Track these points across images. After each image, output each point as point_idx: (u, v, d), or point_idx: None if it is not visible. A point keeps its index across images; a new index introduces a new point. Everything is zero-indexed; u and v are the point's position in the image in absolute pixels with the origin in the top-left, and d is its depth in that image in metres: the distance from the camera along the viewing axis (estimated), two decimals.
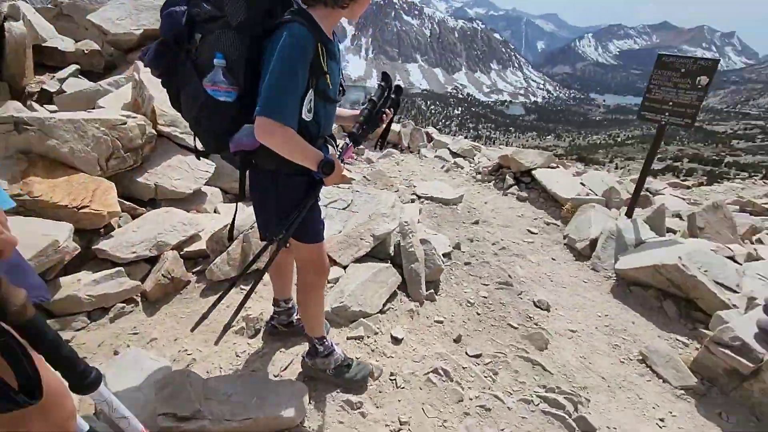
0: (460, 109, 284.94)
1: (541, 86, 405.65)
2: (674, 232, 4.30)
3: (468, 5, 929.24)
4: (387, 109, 1.78)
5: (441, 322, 2.70)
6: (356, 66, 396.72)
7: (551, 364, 2.46)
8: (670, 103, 3.70)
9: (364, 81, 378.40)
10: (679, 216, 4.95)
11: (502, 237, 4.29)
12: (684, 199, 7.12)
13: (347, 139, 1.69)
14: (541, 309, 3.01)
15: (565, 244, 4.32)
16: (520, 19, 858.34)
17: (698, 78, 3.49)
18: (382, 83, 1.77)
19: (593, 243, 3.91)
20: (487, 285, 3.19)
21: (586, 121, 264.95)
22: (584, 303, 3.20)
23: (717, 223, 4.02)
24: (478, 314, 2.83)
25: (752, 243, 4.09)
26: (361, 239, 2.95)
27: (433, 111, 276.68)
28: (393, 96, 1.78)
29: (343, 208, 3.36)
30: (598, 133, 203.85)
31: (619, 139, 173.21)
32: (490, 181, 6.28)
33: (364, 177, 5.46)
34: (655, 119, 3.80)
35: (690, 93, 3.57)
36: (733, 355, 2.25)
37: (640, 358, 2.64)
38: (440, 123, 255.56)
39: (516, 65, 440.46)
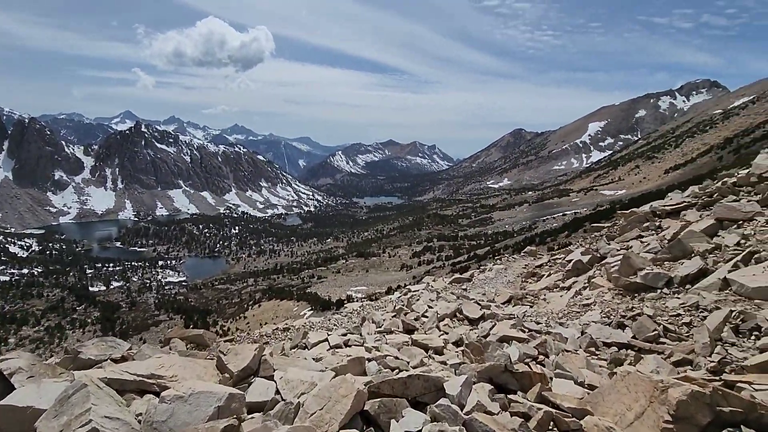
0: (237, 228, 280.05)
1: (311, 197, 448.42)
2: None
3: (226, 132, 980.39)
4: None
5: None
6: (102, 198, 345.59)
7: None
8: None
9: (116, 214, 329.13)
10: None
11: None
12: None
13: None
14: None
15: None
16: (279, 142, 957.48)
17: None
18: None
19: None
20: None
21: (355, 221, 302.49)
22: None
23: None
24: None
25: None
26: None
27: (207, 234, 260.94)
28: None
29: None
30: (367, 230, 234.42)
31: (384, 232, 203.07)
32: None
33: None
34: None
35: None
36: None
37: None
38: (218, 245, 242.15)
39: (284, 181, 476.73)
